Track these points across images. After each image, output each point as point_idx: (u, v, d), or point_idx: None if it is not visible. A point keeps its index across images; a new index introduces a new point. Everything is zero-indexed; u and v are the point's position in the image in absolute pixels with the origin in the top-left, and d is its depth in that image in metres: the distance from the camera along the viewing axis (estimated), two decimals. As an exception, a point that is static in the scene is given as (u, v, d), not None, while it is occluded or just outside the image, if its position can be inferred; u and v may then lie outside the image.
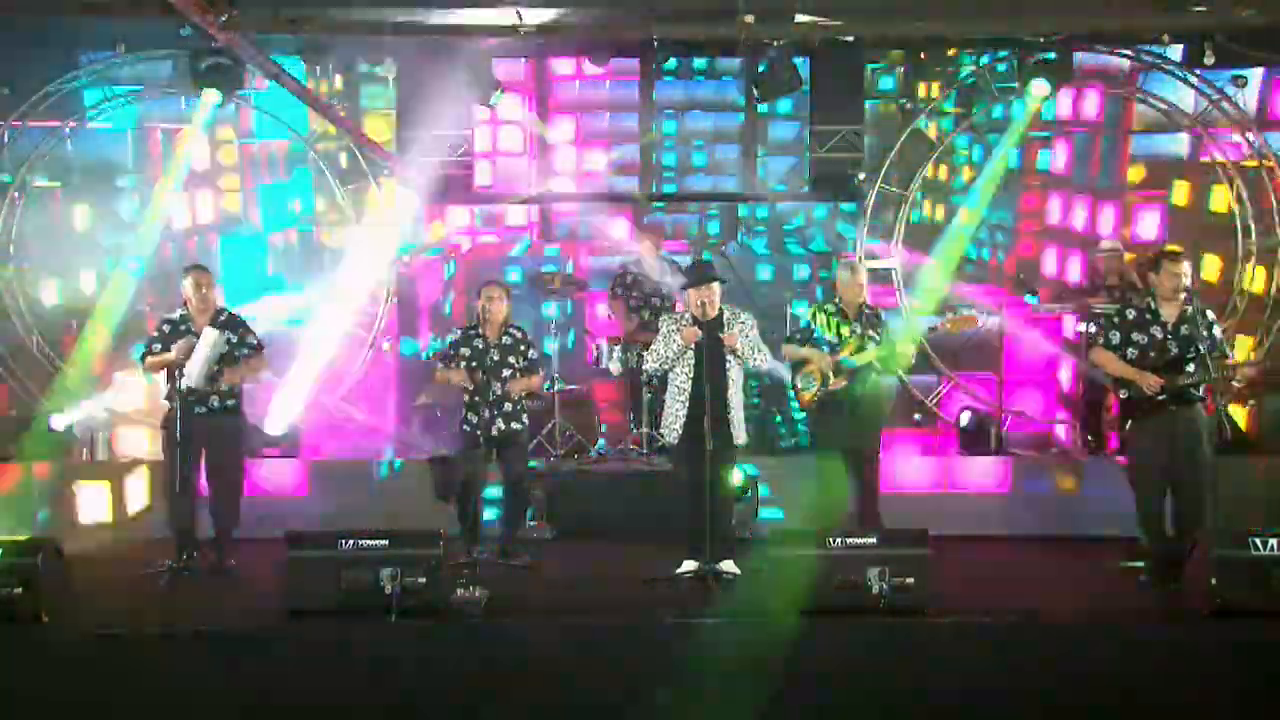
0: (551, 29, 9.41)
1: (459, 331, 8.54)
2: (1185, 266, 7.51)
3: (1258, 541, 6.77)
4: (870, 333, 8.42)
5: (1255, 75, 10.70)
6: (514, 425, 8.37)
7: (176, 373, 7.98)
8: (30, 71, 10.42)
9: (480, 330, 8.37)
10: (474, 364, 8.28)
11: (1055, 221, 11.79)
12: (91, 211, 11.11)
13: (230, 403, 8.28)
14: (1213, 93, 10.63)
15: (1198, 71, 10.54)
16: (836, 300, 8.56)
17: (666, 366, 7.88)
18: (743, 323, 7.86)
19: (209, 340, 7.98)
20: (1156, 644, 6.71)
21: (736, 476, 8.27)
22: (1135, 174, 11.33)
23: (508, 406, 8.33)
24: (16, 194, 10.49)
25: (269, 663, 6.60)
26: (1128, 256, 10.28)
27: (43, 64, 10.39)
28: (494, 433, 8.22)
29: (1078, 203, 11.70)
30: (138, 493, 9.39)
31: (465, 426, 8.39)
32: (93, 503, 9.43)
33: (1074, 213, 11.74)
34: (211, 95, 9.68)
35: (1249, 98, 10.82)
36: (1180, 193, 11.16)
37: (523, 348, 8.44)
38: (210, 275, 8.39)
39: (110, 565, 8.29)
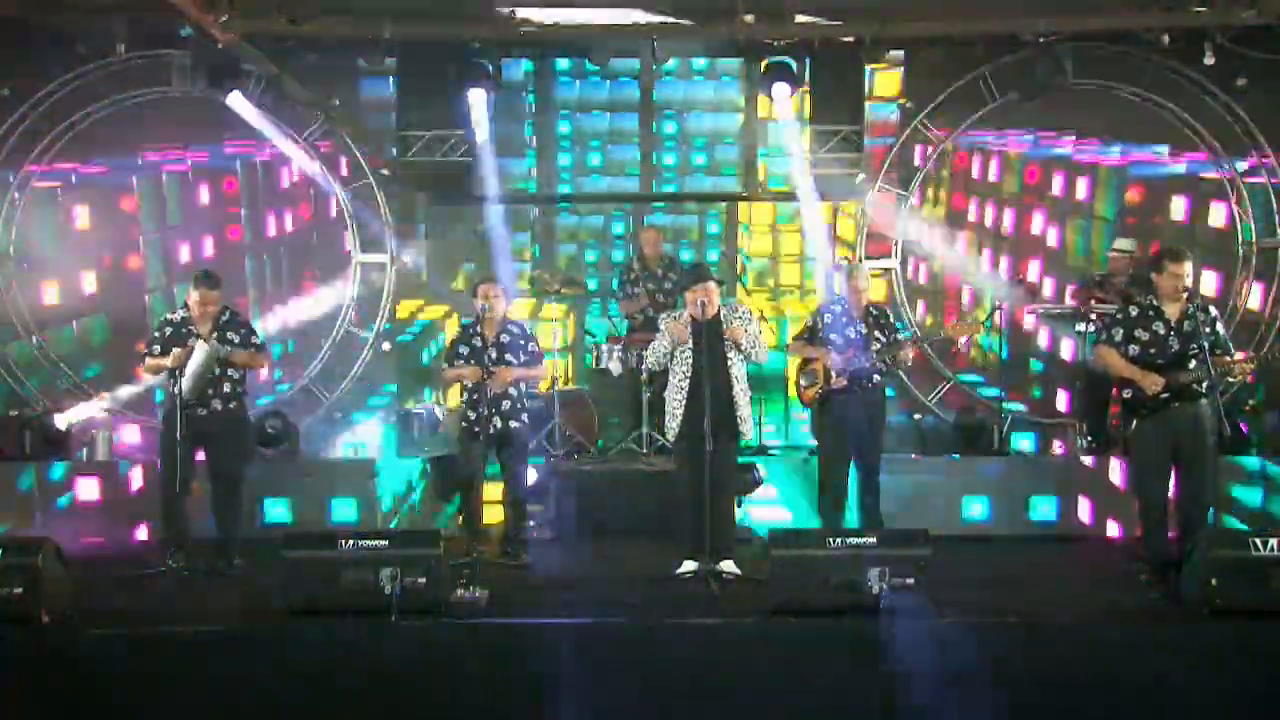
0: (551, 29, 9.42)
1: (457, 330, 8.50)
2: (1187, 266, 7.50)
3: (1257, 541, 6.78)
4: (876, 334, 8.41)
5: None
6: (513, 424, 8.35)
7: (177, 372, 7.98)
8: (30, 72, 10.39)
9: (478, 328, 8.36)
10: (472, 362, 8.28)
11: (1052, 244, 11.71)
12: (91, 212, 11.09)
13: (233, 405, 8.27)
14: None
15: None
16: (844, 303, 8.56)
17: (664, 363, 7.88)
18: (740, 317, 7.86)
19: (203, 354, 7.99)
20: (1156, 644, 6.71)
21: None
22: (1133, 196, 11.24)
23: (506, 405, 8.31)
24: (16, 194, 10.47)
25: (269, 663, 6.60)
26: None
27: (43, 64, 10.36)
28: (492, 430, 8.20)
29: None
30: (138, 492, 9.38)
31: (464, 423, 8.39)
32: (92, 502, 9.42)
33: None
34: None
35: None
36: (1178, 210, 11.06)
37: (523, 342, 8.43)
38: (216, 289, 8.23)
39: (110, 565, 8.28)
